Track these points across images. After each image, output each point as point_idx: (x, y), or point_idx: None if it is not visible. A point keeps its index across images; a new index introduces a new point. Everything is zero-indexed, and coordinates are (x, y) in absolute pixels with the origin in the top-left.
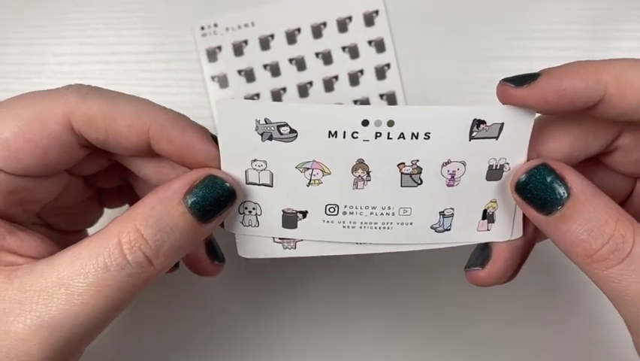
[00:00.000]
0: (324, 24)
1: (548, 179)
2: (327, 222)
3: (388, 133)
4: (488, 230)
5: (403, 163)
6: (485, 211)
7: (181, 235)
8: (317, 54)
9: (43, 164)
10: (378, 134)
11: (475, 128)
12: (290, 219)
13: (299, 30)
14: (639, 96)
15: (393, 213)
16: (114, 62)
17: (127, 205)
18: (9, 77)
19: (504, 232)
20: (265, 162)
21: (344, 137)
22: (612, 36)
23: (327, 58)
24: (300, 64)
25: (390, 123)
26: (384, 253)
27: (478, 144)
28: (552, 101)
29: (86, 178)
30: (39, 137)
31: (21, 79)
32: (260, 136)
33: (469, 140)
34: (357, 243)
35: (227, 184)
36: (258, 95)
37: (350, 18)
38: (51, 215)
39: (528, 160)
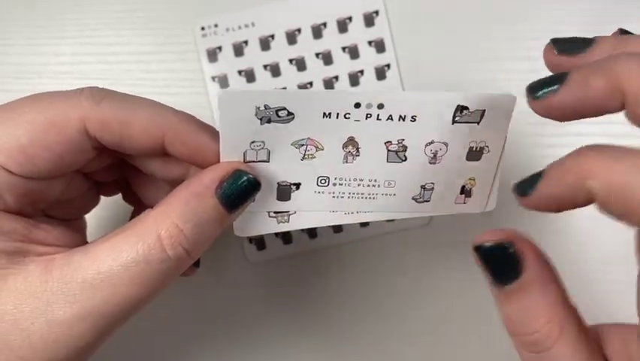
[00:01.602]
0: (324, 24)
1: (507, 256)
2: (319, 192)
3: (378, 115)
4: (464, 203)
5: (390, 141)
6: (464, 187)
7: (214, 225)
8: (317, 54)
9: (58, 168)
10: (369, 116)
11: (458, 113)
12: (284, 192)
13: (299, 30)
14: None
15: (378, 185)
16: (114, 62)
17: (120, 195)
18: (10, 77)
19: (479, 205)
20: (263, 141)
21: (337, 117)
22: None
23: (327, 58)
24: (300, 64)
25: (380, 106)
26: (372, 221)
27: (461, 128)
28: (552, 207)
29: (86, 173)
30: (55, 142)
31: (22, 79)
32: (259, 120)
33: (452, 123)
34: (345, 213)
35: (252, 176)
36: None
37: (350, 18)
38: (52, 208)
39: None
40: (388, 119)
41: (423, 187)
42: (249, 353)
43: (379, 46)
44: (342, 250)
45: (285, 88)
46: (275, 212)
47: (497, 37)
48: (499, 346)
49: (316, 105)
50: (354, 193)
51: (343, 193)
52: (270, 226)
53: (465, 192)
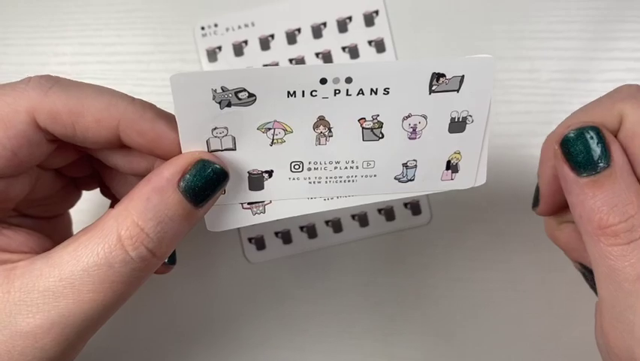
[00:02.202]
0: (324, 24)
1: (596, 142)
2: (293, 179)
3: (347, 90)
4: (452, 179)
5: (364, 118)
6: (449, 162)
7: (180, 222)
8: (317, 54)
9: (14, 165)
10: (337, 91)
11: (434, 82)
12: (256, 181)
13: (299, 30)
14: None
15: (357, 167)
16: (114, 62)
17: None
18: (9, 77)
19: (468, 180)
20: (226, 128)
21: (303, 95)
22: (612, 36)
23: (327, 58)
24: (300, 64)
25: (349, 80)
26: (352, 206)
27: (439, 98)
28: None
29: (56, 170)
30: (5, 138)
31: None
32: (218, 105)
33: (429, 93)
34: (324, 199)
35: (218, 165)
36: None
37: (350, 18)
38: (27, 207)
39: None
40: (359, 93)
41: (405, 165)
42: (249, 353)
43: (379, 46)
44: (342, 250)
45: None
46: (249, 203)
47: (497, 37)
48: (499, 346)
49: (278, 84)
50: (331, 177)
51: (320, 178)
52: (245, 219)
53: (451, 167)
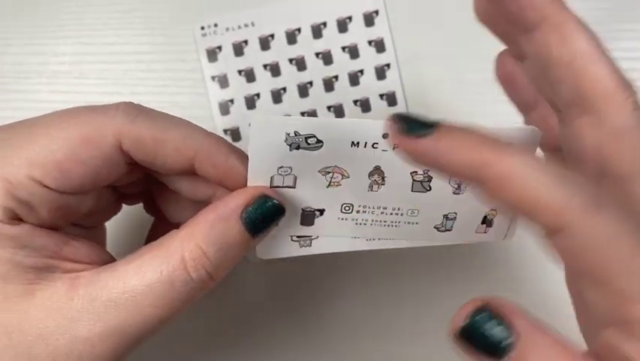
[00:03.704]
0: (324, 24)
1: (492, 326)
2: (342, 219)
3: None
4: (485, 232)
5: (416, 172)
6: (485, 217)
7: (237, 249)
8: (317, 54)
9: (93, 182)
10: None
11: None
12: (308, 217)
13: (299, 30)
14: None
15: (402, 214)
16: (114, 62)
17: (141, 203)
18: (9, 76)
19: (499, 234)
20: (290, 167)
21: (365, 147)
22: (612, 36)
23: (327, 58)
24: (300, 64)
25: None
26: (389, 249)
27: None
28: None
29: (115, 185)
30: (90, 158)
31: (21, 79)
32: (288, 146)
33: None
34: (367, 240)
35: (277, 202)
36: (258, 95)
37: (350, 18)
38: (79, 217)
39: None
40: None
41: (445, 217)
42: (249, 352)
43: (379, 46)
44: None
45: (284, 88)
46: (297, 236)
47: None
48: None
49: (345, 135)
50: (377, 221)
51: (366, 220)
52: (292, 250)
53: (486, 222)
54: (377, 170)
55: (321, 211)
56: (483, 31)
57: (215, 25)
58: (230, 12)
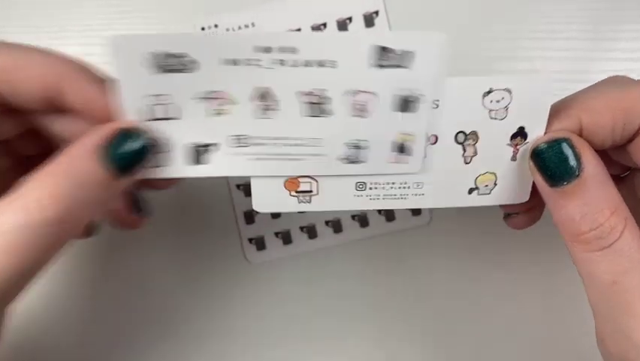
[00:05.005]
0: (324, 24)
1: (566, 154)
2: (238, 154)
3: (293, 60)
4: (400, 162)
5: (311, 92)
6: (400, 144)
7: (94, 191)
8: None
9: None
10: (282, 62)
11: (382, 56)
12: (198, 154)
13: (299, 30)
14: None
15: (304, 145)
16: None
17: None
18: None
19: (418, 164)
20: (167, 95)
21: (247, 64)
22: (612, 36)
23: None
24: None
25: (294, 50)
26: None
27: (389, 74)
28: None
29: (3, 145)
30: None
31: None
32: (159, 70)
33: (379, 69)
34: (370, 198)
35: (141, 135)
36: None
37: (350, 18)
38: None
39: (547, 129)
40: (305, 65)
41: (354, 146)
42: (249, 352)
43: None
44: (342, 251)
45: None
46: (297, 191)
47: (497, 37)
48: (499, 345)
49: (221, 51)
50: (279, 154)
51: (267, 155)
52: (289, 205)
53: (402, 149)
54: (267, 92)
55: (213, 146)
56: (482, 32)
57: (216, 25)
58: (231, 12)
